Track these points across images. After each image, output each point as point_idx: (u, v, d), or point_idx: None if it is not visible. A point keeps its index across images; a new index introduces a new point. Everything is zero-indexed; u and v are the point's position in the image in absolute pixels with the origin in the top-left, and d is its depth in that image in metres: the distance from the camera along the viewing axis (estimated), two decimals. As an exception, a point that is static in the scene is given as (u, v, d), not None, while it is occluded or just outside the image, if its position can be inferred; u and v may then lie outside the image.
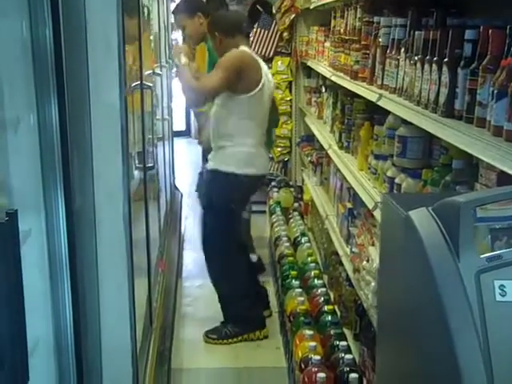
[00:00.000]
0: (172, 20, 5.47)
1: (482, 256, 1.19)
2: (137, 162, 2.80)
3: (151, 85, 3.28)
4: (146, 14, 3.56)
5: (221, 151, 3.90)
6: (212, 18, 4.18)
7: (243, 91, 3.77)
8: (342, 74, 3.84)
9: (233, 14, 4.32)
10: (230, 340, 4.03)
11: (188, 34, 4.89)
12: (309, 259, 4.35)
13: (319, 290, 3.81)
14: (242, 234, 4.34)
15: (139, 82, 2.90)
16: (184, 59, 3.86)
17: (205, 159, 4.63)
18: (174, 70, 6.31)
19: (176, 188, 6.55)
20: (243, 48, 3.88)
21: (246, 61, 3.80)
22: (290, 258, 4.47)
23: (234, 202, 3.92)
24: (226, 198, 3.87)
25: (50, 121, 1.90)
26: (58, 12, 1.85)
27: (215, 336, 4.05)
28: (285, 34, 6.25)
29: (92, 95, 2.05)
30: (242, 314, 4.04)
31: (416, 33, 2.45)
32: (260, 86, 3.81)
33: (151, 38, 3.86)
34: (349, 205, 3.67)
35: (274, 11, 6.34)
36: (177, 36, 6.94)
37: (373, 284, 2.79)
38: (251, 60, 3.85)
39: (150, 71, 3.64)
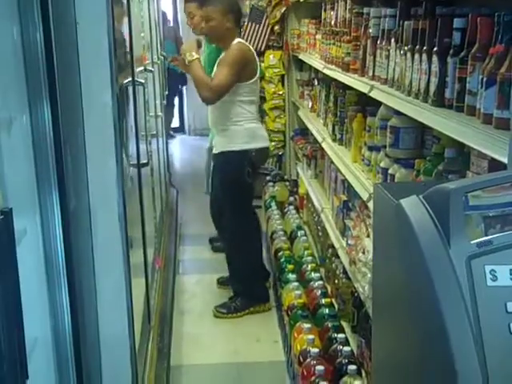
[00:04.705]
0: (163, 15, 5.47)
1: (472, 242, 1.20)
2: (131, 159, 2.80)
3: (143, 81, 3.28)
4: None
5: (227, 133, 4.18)
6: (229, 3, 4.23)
7: (245, 79, 4.09)
8: (333, 67, 3.84)
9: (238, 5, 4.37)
10: (238, 313, 4.31)
11: (196, 23, 4.92)
12: (305, 253, 4.36)
13: (316, 283, 3.83)
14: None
15: (131, 79, 2.90)
16: (195, 54, 4.02)
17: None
18: (169, 60, 6.27)
19: (171, 185, 6.55)
20: (239, 40, 4.16)
21: (246, 54, 4.11)
22: (287, 252, 4.49)
23: (249, 175, 4.16)
24: (241, 174, 4.12)
25: (43, 121, 1.91)
26: (48, 13, 1.85)
27: (225, 310, 4.32)
28: (276, 28, 6.23)
29: (84, 95, 2.06)
30: (251, 288, 4.35)
31: (405, 23, 2.46)
32: (257, 73, 4.20)
33: (142, 34, 3.86)
34: (344, 197, 3.67)
35: (264, 5, 6.33)
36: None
37: (369, 275, 2.79)
38: (249, 52, 4.16)
39: (142, 68, 3.64)
